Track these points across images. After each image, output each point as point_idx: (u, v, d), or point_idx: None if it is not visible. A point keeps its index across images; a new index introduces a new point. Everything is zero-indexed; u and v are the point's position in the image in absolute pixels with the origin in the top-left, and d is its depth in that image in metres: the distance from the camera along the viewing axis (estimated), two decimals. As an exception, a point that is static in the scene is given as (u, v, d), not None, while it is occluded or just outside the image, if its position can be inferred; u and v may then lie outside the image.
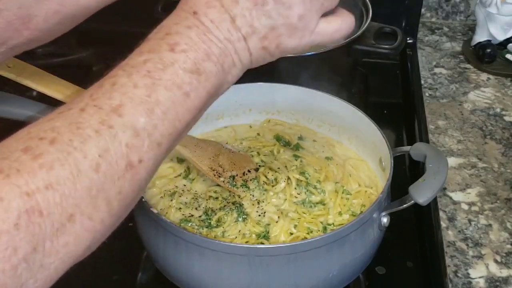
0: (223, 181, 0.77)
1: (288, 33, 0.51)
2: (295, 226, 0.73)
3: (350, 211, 0.77)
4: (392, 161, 0.74)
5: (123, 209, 0.45)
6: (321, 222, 0.75)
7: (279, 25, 0.50)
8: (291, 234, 0.73)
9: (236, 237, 0.72)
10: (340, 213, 0.77)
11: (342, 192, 0.79)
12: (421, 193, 0.69)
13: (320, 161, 0.83)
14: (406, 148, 0.78)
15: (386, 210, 0.71)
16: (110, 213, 0.43)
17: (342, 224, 0.74)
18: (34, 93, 1.09)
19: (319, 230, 0.73)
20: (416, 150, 0.76)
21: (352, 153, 0.87)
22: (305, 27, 0.52)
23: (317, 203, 0.77)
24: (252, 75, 0.98)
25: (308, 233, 0.73)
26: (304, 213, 0.75)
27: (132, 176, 0.44)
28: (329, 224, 0.75)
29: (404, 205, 0.70)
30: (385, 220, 0.71)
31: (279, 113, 0.91)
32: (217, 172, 0.77)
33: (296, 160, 0.83)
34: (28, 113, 0.69)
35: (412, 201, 0.69)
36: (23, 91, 1.08)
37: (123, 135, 0.43)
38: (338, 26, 0.57)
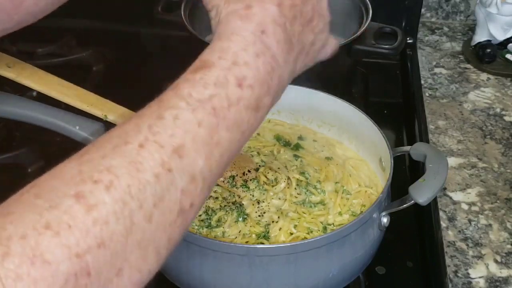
0: (223, 181, 0.77)
1: (321, 48, 0.53)
2: (295, 226, 0.73)
3: (350, 211, 0.77)
4: (392, 161, 0.74)
5: (169, 255, 0.42)
6: (321, 222, 0.75)
7: (317, 41, 0.51)
8: (291, 234, 0.73)
9: (236, 237, 0.72)
10: (340, 213, 0.77)
11: (342, 192, 0.79)
12: (421, 193, 0.69)
13: (320, 161, 0.83)
14: (406, 148, 0.78)
15: (386, 210, 0.71)
16: (158, 262, 0.40)
17: (342, 224, 0.74)
18: (34, 93, 1.09)
19: (319, 230, 0.73)
20: (416, 150, 0.76)
21: (352, 153, 0.87)
22: (330, 37, 0.54)
23: (317, 203, 0.77)
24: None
25: (308, 233, 0.73)
26: (304, 213, 0.75)
27: (182, 221, 0.41)
28: (329, 224, 0.75)
29: (404, 205, 0.70)
30: (385, 220, 0.71)
31: (279, 113, 0.91)
32: None
33: (296, 160, 0.83)
34: (28, 113, 0.69)
35: (412, 201, 0.69)
36: (23, 91, 1.08)
37: (180, 181, 0.39)
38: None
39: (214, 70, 0.44)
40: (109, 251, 0.36)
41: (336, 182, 0.80)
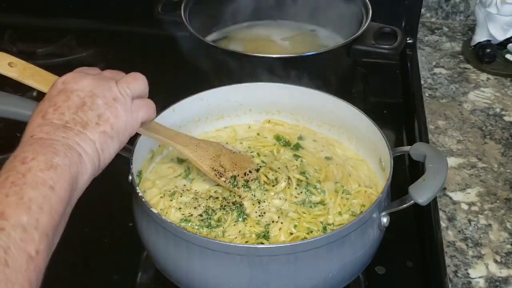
0: (225, 181, 0.77)
1: (112, 115, 0.62)
2: (295, 226, 0.73)
3: (350, 211, 0.77)
4: (392, 161, 0.74)
5: None
6: (321, 222, 0.75)
7: (103, 111, 0.62)
8: (291, 234, 0.73)
9: (236, 237, 0.72)
10: (340, 213, 0.77)
11: (342, 192, 0.79)
12: (421, 193, 0.69)
13: (320, 161, 0.84)
14: (406, 148, 0.78)
15: (386, 210, 0.71)
16: None
17: (342, 224, 0.74)
18: (34, 93, 1.09)
19: (319, 230, 0.73)
20: (416, 150, 0.76)
21: (352, 153, 0.87)
22: (121, 103, 0.63)
23: (317, 203, 0.77)
24: (252, 75, 0.98)
25: (308, 233, 0.73)
26: (304, 213, 0.75)
27: (35, 267, 0.50)
28: (329, 224, 0.75)
29: (404, 205, 0.70)
30: (385, 220, 0.71)
31: (279, 113, 0.91)
32: (218, 172, 0.77)
33: (296, 160, 0.83)
34: (28, 113, 0.69)
35: (412, 201, 0.69)
36: (24, 91, 1.08)
37: (15, 233, 0.49)
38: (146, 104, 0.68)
39: (3, 168, 0.55)
40: None
41: (336, 182, 0.80)
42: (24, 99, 0.75)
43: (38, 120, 0.60)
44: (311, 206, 0.77)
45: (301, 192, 0.78)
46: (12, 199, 0.52)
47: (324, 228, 0.74)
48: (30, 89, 1.08)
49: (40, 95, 1.14)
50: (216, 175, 0.77)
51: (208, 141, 0.82)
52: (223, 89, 0.87)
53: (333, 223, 0.75)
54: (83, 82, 0.63)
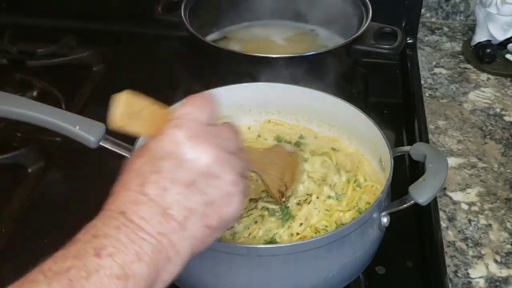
0: (284, 201, 0.74)
1: (226, 202, 0.50)
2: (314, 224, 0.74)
3: (357, 207, 0.77)
4: (392, 161, 0.74)
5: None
6: (335, 222, 0.75)
7: (216, 198, 0.49)
8: (298, 234, 0.73)
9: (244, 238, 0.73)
10: (348, 210, 0.77)
11: (354, 182, 0.79)
12: (421, 193, 0.69)
13: (327, 151, 0.84)
14: (406, 148, 0.78)
15: (386, 210, 0.71)
16: None
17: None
18: (34, 93, 1.09)
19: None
20: (416, 150, 0.76)
21: (354, 150, 0.87)
22: (238, 190, 0.51)
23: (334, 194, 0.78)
24: (252, 75, 0.98)
25: (315, 232, 0.73)
26: (327, 210, 0.76)
27: None
28: (343, 224, 0.75)
29: (404, 205, 0.70)
30: (385, 220, 0.71)
31: (279, 113, 0.91)
32: (281, 193, 0.74)
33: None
34: (28, 113, 0.68)
35: (412, 201, 0.69)
36: (24, 91, 1.08)
37: None
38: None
39: (76, 244, 0.45)
40: None
41: (348, 171, 0.80)
42: (24, 99, 0.73)
43: (134, 189, 0.47)
44: (333, 198, 0.77)
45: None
46: None
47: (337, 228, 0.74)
48: (30, 89, 1.09)
49: (41, 95, 1.14)
50: (279, 197, 0.73)
51: (270, 150, 0.77)
52: (222, 89, 0.87)
53: (344, 223, 0.75)
54: (201, 149, 0.49)
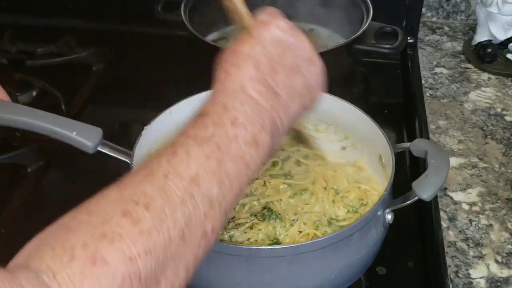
0: None
1: (317, 86, 0.58)
2: (305, 223, 0.73)
3: (349, 206, 0.77)
4: (394, 157, 0.73)
5: (194, 275, 0.47)
6: (324, 215, 0.74)
7: (312, 82, 0.57)
8: (301, 232, 0.73)
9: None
10: (334, 203, 0.77)
11: (332, 189, 0.78)
12: (424, 189, 0.68)
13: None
14: (406, 144, 0.78)
15: (390, 207, 0.71)
16: (186, 279, 0.46)
17: (345, 219, 0.74)
18: (34, 93, 1.09)
19: (324, 225, 0.73)
20: (416, 146, 0.76)
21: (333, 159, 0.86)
22: (323, 76, 0.59)
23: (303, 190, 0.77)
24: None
25: (316, 228, 0.73)
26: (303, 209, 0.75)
27: (206, 244, 0.47)
28: (333, 219, 0.75)
29: (408, 202, 0.70)
30: (389, 217, 0.70)
31: None
32: None
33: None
34: (23, 119, 0.67)
35: (416, 197, 0.69)
36: (24, 90, 1.08)
37: (202, 205, 0.46)
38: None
39: (210, 115, 0.51)
40: (154, 260, 0.41)
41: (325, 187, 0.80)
42: (18, 106, 0.70)
43: (250, 69, 0.53)
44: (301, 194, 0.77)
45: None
46: (212, 165, 0.47)
47: (329, 223, 0.74)
48: (30, 89, 1.09)
49: (40, 95, 1.14)
50: None
51: None
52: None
53: (336, 218, 0.75)
54: (301, 39, 0.56)
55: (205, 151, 0.48)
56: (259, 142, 0.51)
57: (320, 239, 0.66)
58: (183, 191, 0.45)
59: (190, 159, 0.47)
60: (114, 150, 0.70)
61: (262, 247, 0.68)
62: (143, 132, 0.77)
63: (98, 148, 0.68)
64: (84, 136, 0.67)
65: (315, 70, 0.57)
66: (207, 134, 0.49)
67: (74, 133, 0.67)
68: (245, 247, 0.68)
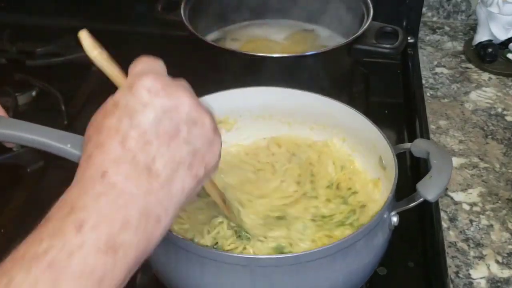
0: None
1: (209, 151, 0.47)
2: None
3: (340, 198, 0.77)
4: (396, 159, 0.73)
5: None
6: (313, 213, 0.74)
7: (200, 146, 0.46)
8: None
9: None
10: (328, 200, 0.77)
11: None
12: (429, 190, 0.68)
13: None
14: (407, 145, 0.77)
15: (395, 209, 0.70)
16: None
17: (333, 215, 0.75)
18: (34, 93, 1.08)
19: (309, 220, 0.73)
20: (417, 146, 0.76)
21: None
22: (218, 136, 0.49)
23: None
24: (252, 75, 0.97)
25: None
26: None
27: None
28: (323, 217, 0.74)
29: (413, 203, 0.69)
30: (395, 219, 0.69)
31: (270, 117, 0.89)
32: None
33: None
34: (14, 133, 0.64)
35: (421, 199, 0.68)
36: (24, 90, 1.08)
37: None
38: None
39: (51, 221, 0.41)
40: None
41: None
42: (8, 119, 0.68)
43: (114, 147, 0.43)
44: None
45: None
46: None
47: (313, 220, 0.73)
48: (30, 89, 1.09)
49: (39, 96, 1.14)
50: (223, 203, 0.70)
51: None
52: (211, 97, 0.84)
53: (323, 214, 0.75)
54: (179, 97, 0.45)
55: (33, 275, 0.37)
56: (118, 245, 0.40)
57: (324, 247, 0.63)
58: None
59: None
60: None
61: (263, 256, 0.66)
62: None
63: None
64: (79, 149, 0.65)
65: (200, 131, 0.46)
66: (39, 250, 0.39)
67: (69, 145, 0.64)
68: (245, 256, 0.66)
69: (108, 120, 0.45)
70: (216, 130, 0.48)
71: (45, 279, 0.38)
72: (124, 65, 1.11)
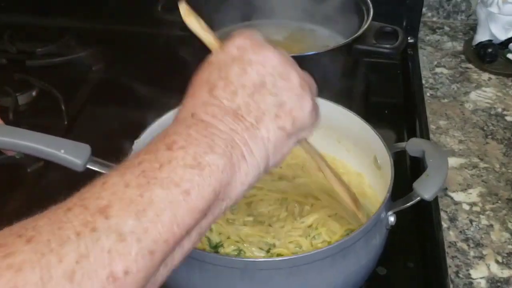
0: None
1: (297, 105, 0.49)
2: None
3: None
4: (391, 158, 0.73)
5: None
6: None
7: (286, 99, 0.49)
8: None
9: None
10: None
11: None
12: (426, 189, 0.68)
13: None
14: (402, 144, 0.77)
15: (392, 209, 0.70)
16: None
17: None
18: (34, 93, 1.08)
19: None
20: (412, 145, 0.75)
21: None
22: (307, 93, 0.51)
23: None
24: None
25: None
26: None
27: None
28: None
29: (410, 203, 0.69)
30: (392, 219, 0.69)
31: None
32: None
33: None
34: (5, 139, 0.64)
35: (418, 198, 0.68)
36: (24, 90, 1.08)
37: (106, 240, 0.37)
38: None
39: (148, 145, 0.45)
40: None
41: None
42: (2, 126, 0.69)
43: (203, 94, 0.48)
44: None
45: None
46: (129, 193, 0.40)
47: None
48: (30, 89, 1.09)
49: (39, 96, 1.14)
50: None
51: None
52: None
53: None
54: (265, 54, 0.49)
55: (126, 179, 0.41)
56: (204, 164, 0.43)
57: (322, 249, 0.63)
58: (81, 223, 0.38)
59: (103, 190, 0.41)
60: (104, 167, 0.66)
61: (260, 260, 0.66)
62: (133, 147, 0.74)
63: (88, 166, 0.65)
64: (73, 154, 0.64)
65: (286, 85, 0.49)
66: (134, 162, 0.43)
67: (62, 151, 0.64)
68: (242, 259, 0.65)
69: (201, 75, 0.50)
70: (305, 87, 0.50)
71: (135, 183, 0.41)
72: (124, 65, 1.12)
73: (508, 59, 1.12)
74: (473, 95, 1.06)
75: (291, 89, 0.49)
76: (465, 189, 0.86)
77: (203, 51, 1.09)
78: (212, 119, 0.46)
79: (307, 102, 0.50)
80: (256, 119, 0.47)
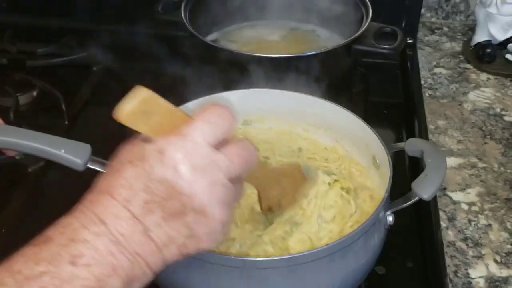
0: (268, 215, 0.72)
1: (208, 238, 0.49)
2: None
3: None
4: (390, 158, 0.73)
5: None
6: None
7: (200, 233, 0.48)
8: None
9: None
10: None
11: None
12: (424, 188, 0.68)
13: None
14: (401, 144, 0.77)
15: (391, 209, 0.70)
16: None
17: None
18: (34, 93, 1.09)
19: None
20: (411, 145, 0.76)
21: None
22: (225, 228, 0.50)
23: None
24: (252, 75, 0.97)
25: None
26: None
27: None
28: None
29: (409, 202, 0.69)
30: (390, 218, 0.69)
31: (261, 120, 0.88)
32: (269, 208, 0.71)
33: None
34: (5, 139, 0.64)
35: (417, 198, 0.68)
36: (24, 90, 1.08)
37: None
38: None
39: (50, 244, 0.43)
40: None
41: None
42: (10, 127, 0.67)
43: (119, 200, 0.46)
44: None
45: None
46: None
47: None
48: (30, 89, 1.09)
49: (39, 96, 1.14)
50: (266, 210, 0.70)
51: (282, 169, 0.75)
52: (204, 99, 0.81)
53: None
54: (200, 187, 0.46)
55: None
56: (104, 287, 0.43)
57: (321, 248, 0.63)
58: None
59: None
60: (103, 166, 0.65)
61: (258, 258, 0.66)
62: None
63: (88, 165, 0.65)
64: (73, 154, 0.64)
65: (206, 222, 0.47)
66: (34, 272, 0.41)
67: (62, 150, 0.63)
68: (241, 258, 0.65)
69: (127, 169, 0.47)
70: (224, 224, 0.49)
71: None
72: (124, 65, 1.11)
73: (507, 59, 1.13)
74: (471, 95, 1.06)
75: (209, 226, 0.48)
76: (464, 189, 0.87)
77: (203, 51, 1.10)
78: (121, 237, 0.45)
79: (220, 236, 0.50)
80: (163, 244, 0.47)
